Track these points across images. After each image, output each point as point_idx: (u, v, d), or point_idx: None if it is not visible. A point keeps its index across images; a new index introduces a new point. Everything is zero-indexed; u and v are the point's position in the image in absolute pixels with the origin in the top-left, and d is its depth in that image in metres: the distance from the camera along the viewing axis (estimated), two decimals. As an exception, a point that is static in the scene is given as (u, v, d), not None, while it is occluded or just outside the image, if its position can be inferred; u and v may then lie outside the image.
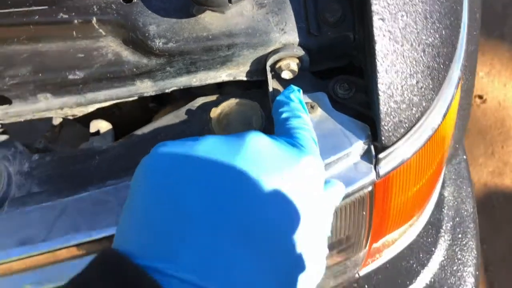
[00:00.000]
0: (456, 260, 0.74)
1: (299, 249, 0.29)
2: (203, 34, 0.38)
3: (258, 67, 0.41)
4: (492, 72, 1.69)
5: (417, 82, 0.38)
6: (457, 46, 0.42)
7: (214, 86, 0.45)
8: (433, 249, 0.74)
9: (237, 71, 0.42)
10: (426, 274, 0.73)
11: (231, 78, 0.42)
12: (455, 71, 0.42)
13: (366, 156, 0.39)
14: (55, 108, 0.41)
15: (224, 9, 0.36)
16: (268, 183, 0.28)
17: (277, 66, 0.40)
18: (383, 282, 0.72)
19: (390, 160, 0.39)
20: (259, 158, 0.29)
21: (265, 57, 0.40)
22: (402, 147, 0.39)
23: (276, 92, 0.41)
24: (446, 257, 0.74)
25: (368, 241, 0.47)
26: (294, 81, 0.41)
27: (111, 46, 0.38)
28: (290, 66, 0.40)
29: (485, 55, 1.71)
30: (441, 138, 0.43)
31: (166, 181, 0.29)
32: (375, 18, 0.35)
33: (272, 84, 0.41)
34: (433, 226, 0.75)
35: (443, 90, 0.40)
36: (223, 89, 0.45)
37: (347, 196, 0.39)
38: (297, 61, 0.40)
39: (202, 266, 0.26)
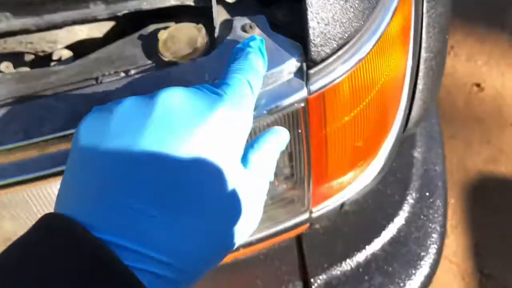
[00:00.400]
0: (422, 217, 0.76)
1: (220, 205, 0.30)
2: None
3: (203, -8, 0.44)
4: (491, 62, 1.69)
5: (346, 1, 0.41)
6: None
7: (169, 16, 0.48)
8: (400, 205, 0.76)
9: (185, -4, 0.45)
10: (391, 229, 0.75)
11: (178, 3, 0.45)
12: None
13: (299, 74, 0.42)
14: (16, 29, 0.45)
15: None
16: (177, 146, 0.29)
17: (219, -12, 0.43)
18: (348, 233, 0.74)
19: (321, 77, 0.42)
20: (169, 118, 0.30)
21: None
22: (332, 65, 0.42)
23: (222, 19, 0.44)
24: (412, 213, 0.75)
25: (311, 170, 0.50)
26: (237, 5, 0.44)
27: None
28: (231, -11, 0.43)
29: (485, 44, 1.71)
30: (377, 64, 0.46)
31: (88, 148, 0.31)
32: None
33: (217, 8, 0.44)
34: (402, 184, 0.77)
35: (376, 14, 0.43)
36: (177, 19, 0.48)
37: (280, 109, 0.42)
38: (238, -16, 0.43)
39: (117, 226, 0.28)
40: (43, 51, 0.52)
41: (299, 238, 0.75)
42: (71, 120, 0.39)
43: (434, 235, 0.75)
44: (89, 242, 0.27)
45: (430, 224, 0.76)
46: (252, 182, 0.32)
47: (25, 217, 0.45)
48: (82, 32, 0.52)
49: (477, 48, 1.72)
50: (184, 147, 0.30)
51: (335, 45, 0.41)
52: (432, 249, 0.75)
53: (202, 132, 0.30)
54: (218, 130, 0.31)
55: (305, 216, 0.61)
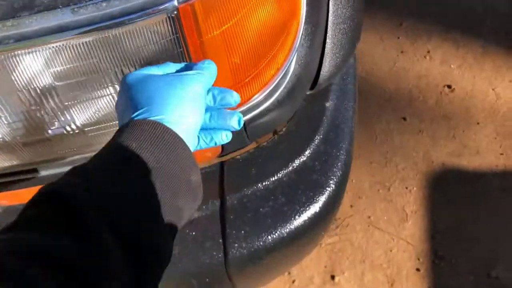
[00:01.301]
0: (326, 154, 0.90)
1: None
2: None
3: None
4: (464, 65, 1.81)
5: None
6: None
7: None
8: (308, 143, 0.90)
9: None
10: (298, 161, 0.89)
11: None
12: None
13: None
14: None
15: None
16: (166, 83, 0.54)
17: None
18: (262, 163, 0.89)
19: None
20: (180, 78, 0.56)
21: None
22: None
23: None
24: (317, 151, 0.90)
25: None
26: None
27: None
28: None
29: (460, 49, 1.84)
30: None
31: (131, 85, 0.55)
32: None
33: None
34: (311, 126, 0.91)
35: None
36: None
37: (158, 13, 0.58)
38: None
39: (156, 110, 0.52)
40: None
41: (222, 165, 0.91)
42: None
43: (335, 170, 0.89)
44: (158, 124, 0.51)
45: (332, 161, 0.89)
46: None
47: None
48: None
49: (452, 53, 1.85)
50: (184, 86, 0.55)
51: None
52: (332, 180, 0.89)
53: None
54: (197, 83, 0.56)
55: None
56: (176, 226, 0.50)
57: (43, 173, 0.78)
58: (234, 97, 0.59)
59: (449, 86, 1.78)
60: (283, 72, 0.78)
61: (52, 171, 0.79)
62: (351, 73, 0.97)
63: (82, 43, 0.60)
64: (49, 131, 0.69)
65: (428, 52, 1.86)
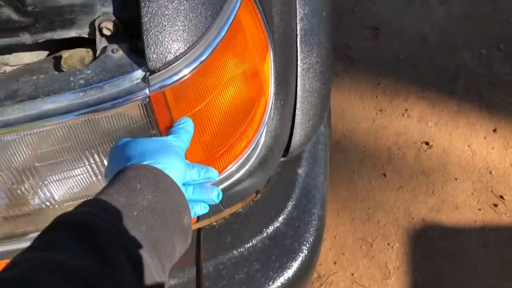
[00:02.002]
0: (298, 220, 0.94)
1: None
2: (56, 4, 0.66)
3: (92, 30, 0.68)
4: (440, 123, 1.88)
5: (175, 28, 0.63)
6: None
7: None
8: (281, 209, 0.94)
9: (81, 31, 0.68)
10: (271, 227, 0.93)
11: (78, 35, 0.69)
12: (226, 15, 0.67)
13: (143, 79, 0.64)
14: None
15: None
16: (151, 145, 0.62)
17: (101, 26, 0.67)
18: (237, 229, 0.93)
19: (159, 82, 0.64)
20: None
21: (95, 21, 0.67)
22: (169, 73, 0.64)
23: (102, 45, 0.68)
24: (290, 216, 0.94)
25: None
26: (113, 37, 0.68)
27: (4, 9, 0.66)
28: (107, 26, 0.66)
29: (436, 107, 1.92)
30: (210, 74, 0.68)
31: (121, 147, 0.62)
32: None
33: (100, 39, 0.68)
34: (284, 193, 0.96)
35: (208, 34, 0.65)
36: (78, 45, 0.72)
37: (133, 100, 0.64)
38: (113, 24, 0.67)
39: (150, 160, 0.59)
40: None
41: (198, 231, 0.94)
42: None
43: (308, 236, 0.93)
44: (157, 170, 0.57)
45: (305, 227, 0.93)
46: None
47: None
48: (26, 57, 0.77)
49: (428, 111, 1.92)
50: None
51: (170, 59, 0.63)
52: (305, 246, 0.92)
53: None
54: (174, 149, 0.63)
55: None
56: (170, 262, 0.56)
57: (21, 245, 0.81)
58: (215, 173, 0.66)
59: (427, 143, 1.84)
60: (254, 144, 0.83)
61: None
62: (322, 140, 1.02)
63: (62, 128, 0.65)
64: (29, 207, 0.73)
65: (406, 110, 1.93)
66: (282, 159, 0.99)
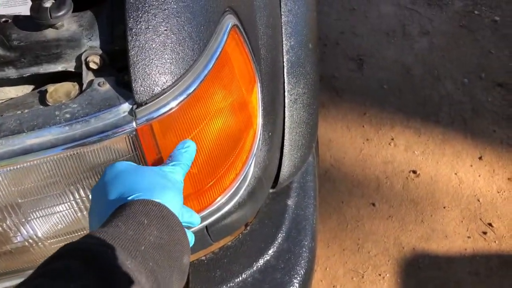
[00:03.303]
0: (289, 252, 0.92)
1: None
2: (42, 39, 0.66)
3: (79, 63, 0.68)
4: (427, 151, 1.90)
5: (164, 64, 0.63)
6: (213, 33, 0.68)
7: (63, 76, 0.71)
8: (271, 242, 0.93)
9: (67, 65, 0.68)
10: (262, 261, 0.91)
11: (64, 69, 0.68)
12: (212, 49, 0.67)
13: (130, 112, 0.63)
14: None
15: (51, 23, 0.64)
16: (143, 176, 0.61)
17: (87, 59, 0.66)
18: (227, 263, 0.91)
19: (146, 115, 0.63)
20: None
21: (81, 55, 0.67)
22: (155, 106, 0.63)
23: (89, 78, 0.67)
24: (280, 249, 0.92)
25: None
26: (99, 71, 0.67)
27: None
28: (94, 60, 0.66)
29: (421, 136, 1.93)
30: (202, 102, 0.67)
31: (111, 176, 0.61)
32: (128, 33, 0.63)
33: (87, 72, 0.67)
34: (274, 225, 0.94)
35: (195, 67, 0.65)
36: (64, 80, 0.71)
37: (119, 134, 0.63)
38: (99, 57, 0.66)
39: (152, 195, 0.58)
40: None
41: (186, 267, 0.92)
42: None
43: (298, 268, 0.91)
44: (163, 207, 0.57)
45: (295, 259, 0.92)
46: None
47: None
48: (11, 92, 0.76)
49: (414, 140, 1.94)
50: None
51: (157, 92, 0.63)
52: (296, 279, 0.90)
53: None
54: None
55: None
56: None
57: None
58: (197, 219, 0.67)
59: (414, 172, 1.85)
60: (243, 176, 0.82)
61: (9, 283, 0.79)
62: (310, 171, 1.02)
63: (46, 163, 0.63)
64: (11, 245, 0.71)
65: (392, 139, 1.94)
66: (271, 191, 0.98)
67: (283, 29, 0.95)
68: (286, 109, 0.94)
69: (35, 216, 0.69)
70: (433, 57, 2.17)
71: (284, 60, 0.95)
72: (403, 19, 2.33)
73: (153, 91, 0.64)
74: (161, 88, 0.64)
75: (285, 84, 0.95)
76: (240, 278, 0.89)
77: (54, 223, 0.71)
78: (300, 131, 0.96)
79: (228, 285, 0.88)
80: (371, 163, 1.89)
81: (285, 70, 0.95)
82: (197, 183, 0.74)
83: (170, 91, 0.65)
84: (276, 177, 0.95)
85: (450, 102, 2.02)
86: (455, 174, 1.83)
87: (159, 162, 0.68)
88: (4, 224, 0.69)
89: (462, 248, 1.66)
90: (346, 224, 1.75)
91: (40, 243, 0.72)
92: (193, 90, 0.67)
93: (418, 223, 1.73)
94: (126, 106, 0.64)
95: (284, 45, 0.95)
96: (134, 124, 0.63)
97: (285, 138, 0.94)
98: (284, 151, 0.94)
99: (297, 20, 0.97)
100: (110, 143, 0.64)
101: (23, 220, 0.69)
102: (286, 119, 0.94)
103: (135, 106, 0.64)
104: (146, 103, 0.64)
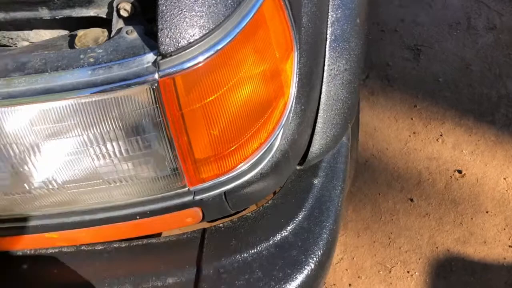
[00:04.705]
0: (308, 231, 0.89)
1: None
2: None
3: (110, 9, 0.67)
4: (476, 152, 1.80)
5: (193, 16, 0.61)
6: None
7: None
8: (291, 219, 0.90)
9: (99, 11, 0.67)
10: (279, 236, 0.89)
11: (96, 14, 0.67)
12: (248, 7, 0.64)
13: (154, 63, 0.62)
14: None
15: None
16: None
17: (119, 6, 0.65)
18: (243, 234, 0.89)
19: (170, 67, 0.61)
20: None
21: (113, 1, 0.66)
22: (181, 59, 0.61)
23: (119, 26, 0.66)
24: (300, 226, 0.89)
25: (174, 145, 0.67)
26: (130, 19, 0.66)
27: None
28: (125, 7, 0.65)
29: (473, 136, 1.83)
30: (231, 62, 0.65)
31: None
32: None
33: (117, 19, 0.66)
34: (297, 202, 0.92)
35: (227, 23, 0.62)
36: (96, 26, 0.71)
37: (140, 84, 0.61)
38: (130, 5, 0.65)
39: None
40: (15, 44, 0.76)
41: (203, 232, 0.91)
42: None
43: (316, 249, 0.88)
44: None
45: (314, 239, 0.88)
46: None
47: None
48: (46, 35, 0.76)
49: (464, 138, 1.84)
50: None
51: (183, 44, 0.61)
52: (312, 260, 0.87)
53: None
54: None
55: (189, 197, 0.78)
56: None
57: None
58: None
59: (459, 171, 1.76)
60: (267, 147, 0.79)
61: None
62: (343, 152, 0.98)
63: (66, 105, 0.63)
64: (31, 186, 0.71)
65: (441, 135, 1.85)
66: (298, 167, 0.95)
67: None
68: (323, 84, 0.90)
69: (54, 160, 0.69)
70: (497, 54, 2.04)
71: (328, 32, 0.91)
72: (470, 11, 2.20)
73: (179, 43, 0.61)
74: (188, 41, 0.62)
75: (326, 58, 0.90)
76: (255, 250, 0.87)
77: (71, 169, 0.71)
78: (336, 109, 0.92)
79: (243, 255, 0.87)
80: (415, 157, 1.81)
81: (327, 43, 0.90)
82: (218, 147, 0.72)
83: (198, 45, 0.63)
84: (304, 154, 0.92)
85: (509, 103, 1.90)
86: (504, 179, 1.72)
87: (178, 119, 0.66)
88: (25, 165, 0.69)
89: (501, 257, 1.57)
90: (380, 217, 1.69)
91: (57, 187, 0.72)
92: (222, 47, 0.64)
93: (457, 224, 1.65)
94: (150, 57, 0.62)
95: (329, 16, 0.91)
96: (156, 75, 0.62)
97: (319, 114, 0.90)
98: (316, 128, 0.91)
99: (346, -9, 0.92)
100: (131, 93, 0.63)
101: (42, 162, 0.69)
102: (323, 94, 0.90)
103: (159, 57, 0.62)
104: (171, 55, 0.62)
